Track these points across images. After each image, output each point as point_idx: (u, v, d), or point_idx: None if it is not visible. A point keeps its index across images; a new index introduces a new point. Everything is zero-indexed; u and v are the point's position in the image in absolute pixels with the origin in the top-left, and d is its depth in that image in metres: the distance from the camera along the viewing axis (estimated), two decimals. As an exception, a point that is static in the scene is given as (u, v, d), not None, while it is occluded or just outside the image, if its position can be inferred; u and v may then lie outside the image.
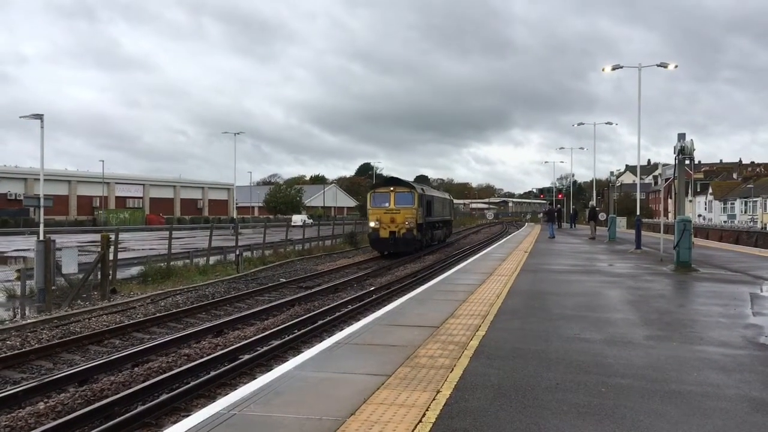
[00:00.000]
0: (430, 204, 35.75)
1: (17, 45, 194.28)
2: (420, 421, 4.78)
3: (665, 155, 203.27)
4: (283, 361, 10.07)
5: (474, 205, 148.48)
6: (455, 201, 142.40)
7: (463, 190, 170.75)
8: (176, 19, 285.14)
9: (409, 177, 69.84)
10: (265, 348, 11.25)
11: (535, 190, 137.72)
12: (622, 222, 48.70)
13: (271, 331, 12.67)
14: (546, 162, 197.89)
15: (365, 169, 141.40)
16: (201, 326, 13.56)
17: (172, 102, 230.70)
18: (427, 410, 5.03)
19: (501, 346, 7.44)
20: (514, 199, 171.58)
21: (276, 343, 11.68)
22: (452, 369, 6.33)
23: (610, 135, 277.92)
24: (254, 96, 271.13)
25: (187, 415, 7.32)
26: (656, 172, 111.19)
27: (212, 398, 8.46)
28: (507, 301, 11.15)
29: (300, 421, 4.75)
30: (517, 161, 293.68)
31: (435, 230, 38.58)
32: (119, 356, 10.48)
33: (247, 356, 10.62)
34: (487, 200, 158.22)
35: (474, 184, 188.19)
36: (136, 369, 9.93)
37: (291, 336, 12.29)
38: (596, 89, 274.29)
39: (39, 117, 18.94)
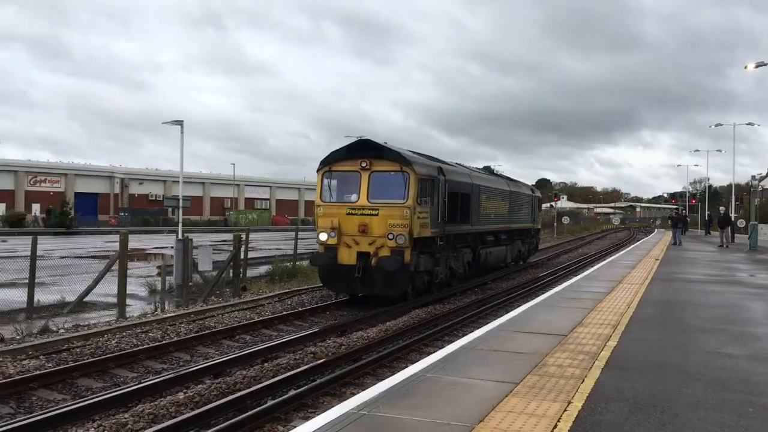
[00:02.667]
0: (466, 199, 19.32)
1: (153, 53, 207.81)
2: (551, 432, 4.66)
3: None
4: (406, 363, 10.15)
5: (598, 210, 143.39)
6: (578, 206, 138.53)
7: (587, 194, 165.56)
8: (298, 25, 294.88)
9: (530, 181, 64.85)
10: (387, 349, 11.37)
11: (665, 195, 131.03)
12: (765, 230, 45.35)
13: (393, 333, 12.79)
14: (678, 165, 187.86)
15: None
16: (325, 325, 13.91)
17: (294, 106, 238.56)
18: (558, 421, 4.88)
19: (635, 358, 7.12)
20: (642, 204, 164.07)
21: (399, 344, 11.78)
22: (583, 380, 6.12)
23: (751, 136, 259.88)
24: (373, 99, 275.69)
25: (314, 412, 7.54)
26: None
27: (338, 396, 8.65)
28: (639, 310, 10.66)
29: (428, 425, 4.74)
30: (645, 164, 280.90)
31: (486, 247, 21.91)
32: (250, 351, 10.94)
33: (370, 357, 10.78)
34: (612, 205, 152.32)
35: (598, 188, 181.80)
36: (265, 364, 10.31)
37: (413, 339, 12.35)
38: (735, 86, 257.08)
39: (179, 123, 20.09)
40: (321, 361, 10.27)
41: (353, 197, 16.35)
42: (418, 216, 15.94)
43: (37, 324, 13.50)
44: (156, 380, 9.05)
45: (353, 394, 7.76)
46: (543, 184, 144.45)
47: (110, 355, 10.57)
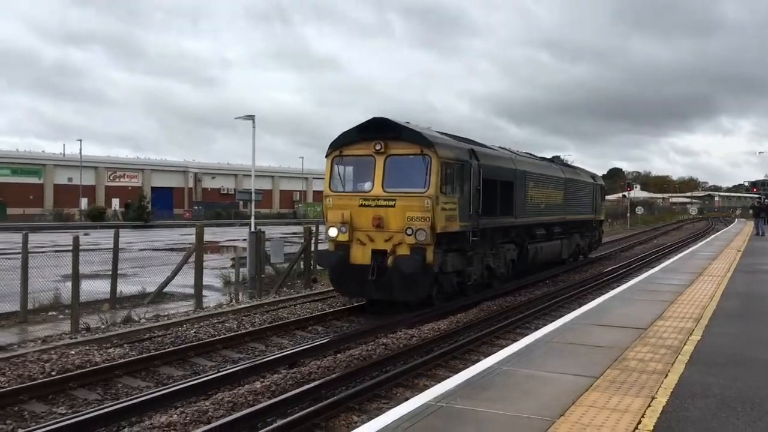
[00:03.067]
0: (508, 187, 17.07)
1: (222, 50, 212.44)
2: (636, 428, 4.53)
3: None
4: (478, 355, 10.09)
5: (674, 200, 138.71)
6: (652, 196, 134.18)
7: (662, 183, 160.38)
8: (363, 18, 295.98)
9: (600, 171, 62.08)
10: (459, 341, 11.32)
11: (746, 183, 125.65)
12: None
13: (464, 325, 12.72)
14: (760, 152, 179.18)
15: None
16: (396, 318, 13.94)
17: (360, 98, 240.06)
18: (642, 417, 4.75)
19: (720, 353, 6.86)
20: (721, 193, 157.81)
21: (470, 336, 11.71)
22: (666, 374, 5.93)
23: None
24: (439, 90, 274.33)
25: (387, 403, 7.59)
26: None
27: (410, 387, 8.67)
28: (722, 303, 10.26)
29: (508, 418, 4.69)
30: (723, 152, 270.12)
31: (535, 242, 19.54)
32: (323, 342, 11.09)
33: (441, 348, 10.76)
34: (689, 194, 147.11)
35: (674, 177, 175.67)
36: (338, 355, 10.43)
37: (484, 331, 12.25)
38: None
39: (250, 118, 20.49)
40: (394, 353, 10.32)
41: (366, 186, 14.02)
42: (443, 207, 13.56)
43: (120, 314, 14.05)
44: (234, 369, 9.28)
45: (426, 386, 7.78)
46: (615, 173, 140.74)
47: (189, 344, 10.90)
